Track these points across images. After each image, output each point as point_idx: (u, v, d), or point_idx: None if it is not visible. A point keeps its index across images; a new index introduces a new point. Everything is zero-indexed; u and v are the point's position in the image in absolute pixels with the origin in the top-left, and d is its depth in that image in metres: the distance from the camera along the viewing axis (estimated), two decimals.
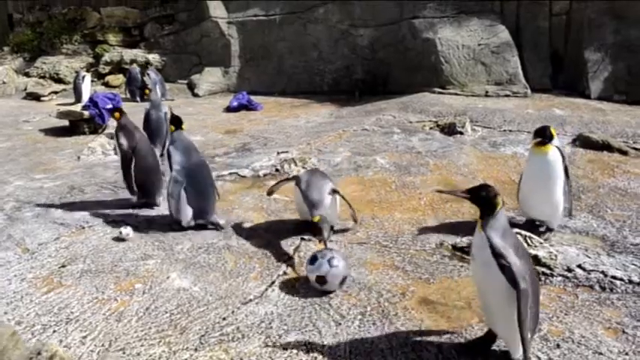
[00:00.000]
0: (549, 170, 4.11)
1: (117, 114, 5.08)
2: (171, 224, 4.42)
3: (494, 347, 2.76)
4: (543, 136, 4.06)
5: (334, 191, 4.14)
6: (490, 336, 2.75)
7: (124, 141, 4.92)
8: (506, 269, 2.41)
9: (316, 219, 3.82)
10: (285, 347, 2.80)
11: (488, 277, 2.50)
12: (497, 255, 2.43)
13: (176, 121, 4.52)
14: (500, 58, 9.79)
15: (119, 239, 4.19)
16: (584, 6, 9.85)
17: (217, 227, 4.38)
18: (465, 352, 2.76)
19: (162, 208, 4.78)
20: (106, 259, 3.88)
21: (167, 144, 6.54)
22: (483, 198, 2.51)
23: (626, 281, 3.42)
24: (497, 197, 2.50)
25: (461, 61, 9.87)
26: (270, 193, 4.60)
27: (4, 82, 12.83)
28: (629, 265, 3.62)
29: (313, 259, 3.38)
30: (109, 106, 9.23)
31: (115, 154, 6.05)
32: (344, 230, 4.32)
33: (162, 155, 6.28)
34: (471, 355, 2.73)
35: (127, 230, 4.22)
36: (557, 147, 4.10)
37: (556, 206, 4.15)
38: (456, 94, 9.60)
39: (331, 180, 4.34)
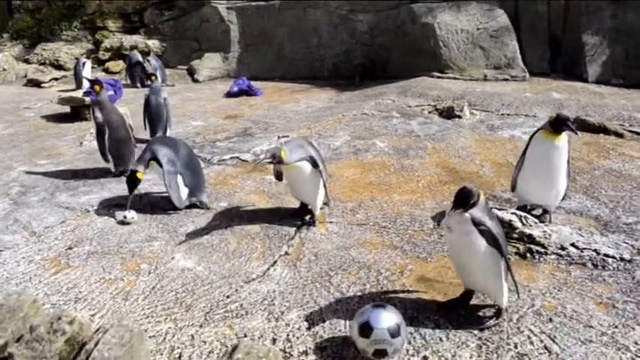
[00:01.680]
0: (557, 158, 4.01)
1: (97, 87, 5.46)
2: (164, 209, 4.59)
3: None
4: (565, 125, 3.87)
5: (314, 163, 4.03)
6: (467, 294, 3.05)
7: (99, 114, 5.35)
8: (485, 232, 2.75)
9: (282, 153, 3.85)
10: (288, 323, 2.90)
11: (470, 244, 2.80)
12: (476, 224, 2.76)
13: None
14: (498, 43, 9.84)
15: (123, 223, 4.28)
16: None
17: (205, 206, 4.56)
18: (445, 309, 3.01)
19: (162, 189, 4.86)
20: (111, 241, 3.97)
21: (168, 130, 6.67)
22: (473, 204, 2.76)
23: (618, 259, 3.53)
24: (480, 195, 2.79)
25: (459, 45, 9.91)
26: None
27: (4, 69, 12.87)
28: (621, 244, 3.72)
29: (367, 328, 2.55)
30: (110, 92, 9.32)
31: None
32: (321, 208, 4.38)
33: None
34: (451, 310, 3.00)
35: (131, 214, 4.32)
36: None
37: (557, 193, 4.11)
38: (455, 78, 9.66)
39: (315, 149, 4.21)
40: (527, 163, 4.15)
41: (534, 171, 4.11)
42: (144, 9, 13.65)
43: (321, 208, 4.37)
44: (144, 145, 4.81)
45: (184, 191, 4.53)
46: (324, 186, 4.20)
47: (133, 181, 4.46)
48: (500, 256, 2.79)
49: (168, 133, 6.70)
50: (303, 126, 7.16)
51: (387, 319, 2.56)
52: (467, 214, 2.76)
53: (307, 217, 4.26)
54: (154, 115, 6.70)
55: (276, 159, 3.83)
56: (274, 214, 4.42)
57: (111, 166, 5.46)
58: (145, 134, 6.69)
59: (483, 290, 3.02)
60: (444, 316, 2.94)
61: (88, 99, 8.38)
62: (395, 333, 2.53)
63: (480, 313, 2.99)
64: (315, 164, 4.03)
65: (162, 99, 6.74)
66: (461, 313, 2.99)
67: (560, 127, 3.89)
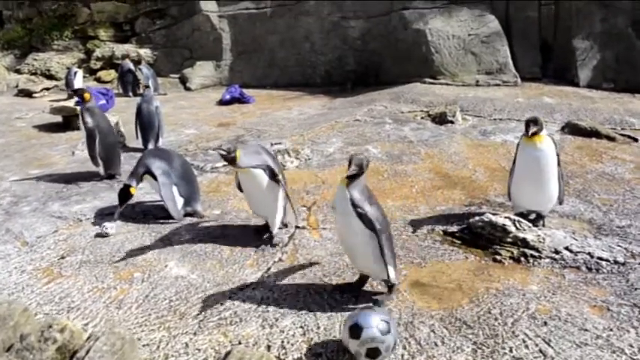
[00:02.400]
0: (543, 161, 4.02)
1: (87, 95, 5.68)
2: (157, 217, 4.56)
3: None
4: (536, 125, 3.95)
5: (272, 173, 3.82)
6: (362, 279, 3.28)
7: (89, 119, 5.53)
8: (362, 216, 2.93)
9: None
10: (282, 329, 2.89)
11: (349, 224, 3.01)
12: (354, 205, 2.94)
13: None
14: (490, 48, 9.90)
15: (102, 235, 4.19)
16: None
17: (199, 215, 4.55)
18: (340, 291, 3.24)
19: (155, 198, 4.84)
20: (104, 250, 3.94)
21: (160, 138, 6.65)
22: (363, 165, 2.98)
23: (612, 262, 3.54)
24: (367, 165, 3.03)
25: (451, 51, 9.96)
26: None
27: None
28: (614, 247, 3.73)
29: (356, 329, 2.56)
30: (102, 101, 9.30)
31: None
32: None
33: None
34: (347, 292, 3.24)
35: (111, 224, 4.26)
36: (548, 136, 4.05)
37: (551, 196, 4.10)
38: (447, 84, 9.71)
39: (273, 159, 4.01)
40: (516, 170, 4.18)
41: (523, 176, 4.14)
42: (135, 18, 13.64)
43: (295, 226, 4.18)
44: (134, 154, 4.79)
45: (180, 201, 4.49)
46: (287, 200, 3.94)
47: (125, 196, 4.41)
48: (376, 239, 2.96)
49: (160, 142, 6.69)
50: (295, 133, 7.16)
51: (376, 318, 2.56)
52: (347, 194, 2.94)
53: (265, 236, 4.01)
54: (145, 123, 6.68)
55: (230, 156, 3.63)
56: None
57: (100, 169, 5.64)
58: (137, 143, 6.67)
59: (368, 270, 3.18)
60: (438, 321, 2.94)
61: (79, 108, 8.36)
62: (385, 330, 2.53)
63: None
64: (273, 175, 3.80)
65: (155, 107, 6.73)
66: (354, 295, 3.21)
67: (533, 128, 3.94)
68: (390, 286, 3.16)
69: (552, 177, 4.05)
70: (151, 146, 6.51)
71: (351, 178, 2.95)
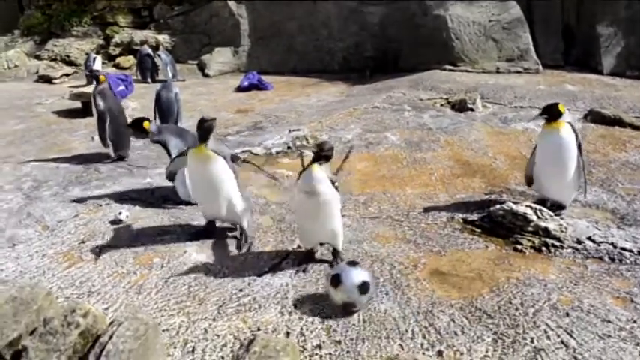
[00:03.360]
0: (562, 148, 3.97)
1: (102, 77, 5.90)
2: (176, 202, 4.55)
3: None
4: (550, 113, 3.98)
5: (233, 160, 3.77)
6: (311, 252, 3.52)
7: (100, 102, 5.73)
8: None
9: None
10: (301, 316, 2.88)
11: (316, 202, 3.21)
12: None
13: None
14: (511, 34, 9.73)
15: (115, 222, 4.18)
16: None
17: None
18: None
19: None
20: (124, 235, 3.97)
21: (179, 124, 6.66)
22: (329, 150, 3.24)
23: (635, 252, 3.48)
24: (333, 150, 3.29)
25: (472, 37, 9.81)
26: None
27: (16, 66, 12.92)
28: (638, 237, 3.67)
29: (337, 279, 2.90)
30: (121, 87, 9.34)
31: None
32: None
33: None
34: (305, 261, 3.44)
35: (125, 213, 4.27)
36: (569, 123, 3.98)
37: (570, 185, 4.05)
38: (467, 70, 9.57)
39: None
40: (537, 158, 4.14)
41: (544, 164, 4.10)
42: (153, 4, 13.63)
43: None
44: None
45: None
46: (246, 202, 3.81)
47: (137, 126, 4.53)
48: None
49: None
50: (314, 119, 7.13)
51: (358, 275, 2.88)
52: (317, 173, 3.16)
53: (238, 234, 3.83)
54: (164, 110, 6.71)
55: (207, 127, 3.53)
56: (286, 207, 4.39)
57: (110, 151, 5.81)
58: None
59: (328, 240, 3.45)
60: (458, 310, 2.91)
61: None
62: (362, 289, 2.85)
63: None
64: (233, 163, 3.70)
65: (174, 94, 6.75)
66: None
67: (545, 115, 4.00)
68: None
69: (571, 166, 3.98)
70: None
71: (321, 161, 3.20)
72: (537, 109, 6.99)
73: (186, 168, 3.85)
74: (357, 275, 2.87)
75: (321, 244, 3.53)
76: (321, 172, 3.18)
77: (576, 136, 3.98)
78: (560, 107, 3.98)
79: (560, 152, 4.00)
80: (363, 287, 2.85)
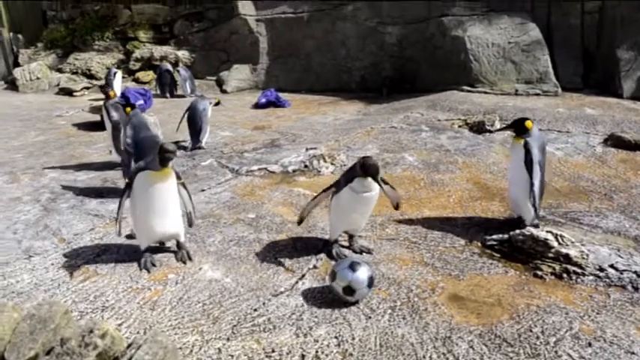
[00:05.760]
0: (513, 163, 4.25)
1: (112, 93, 6.29)
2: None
3: None
4: (516, 128, 4.15)
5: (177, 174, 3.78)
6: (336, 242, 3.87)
7: (114, 113, 5.95)
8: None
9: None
10: (317, 339, 2.83)
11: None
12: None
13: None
14: (530, 57, 9.70)
15: (131, 237, 4.10)
16: (617, 3, 9.71)
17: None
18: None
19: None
20: (140, 250, 3.95)
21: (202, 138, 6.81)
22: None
23: None
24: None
25: (490, 59, 9.80)
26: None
27: (38, 78, 13.13)
28: None
29: (332, 275, 3.21)
30: (140, 102, 9.42)
31: None
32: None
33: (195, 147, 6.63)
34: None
35: None
36: (527, 141, 4.04)
37: (519, 200, 4.17)
38: (485, 92, 9.54)
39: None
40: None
41: (508, 176, 4.51)
42: (174, 20, 13.84)
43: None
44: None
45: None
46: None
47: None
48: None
49: (202, 141, 6.98)
50: (331, 138, 7.12)
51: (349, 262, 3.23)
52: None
53: (181, 251, 3.84)
54: (191, 119, 7.03)
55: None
56: (302, 226, 4.35)
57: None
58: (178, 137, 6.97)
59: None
60: (477, 337, 2.84)
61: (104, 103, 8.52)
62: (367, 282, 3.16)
63: None
64: (178, 176, 3.75)
65: (202, 109, 7.00)
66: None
67: (512, 128, 4.22)
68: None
69: (518, 181, 4.12)
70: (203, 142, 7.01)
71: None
72: (556, 133, 6.96)
73: (139, 191, 3.65)
74: (363, 274, 3.15)
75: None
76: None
77: (527, 153, 4.02)
78: (527, 123, 4.10)
79: (512, 166, 4.30)
80: (371, 283, 3.19)
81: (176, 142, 6.73)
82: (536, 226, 4.00)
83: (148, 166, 3.60)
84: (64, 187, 5.48)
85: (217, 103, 7.61)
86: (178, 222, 3.79)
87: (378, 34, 11.41)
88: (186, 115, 7.10)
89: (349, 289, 3.12)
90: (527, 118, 4.19)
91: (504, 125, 4.31)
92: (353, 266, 3.17)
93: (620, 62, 9.40)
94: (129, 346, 1.88)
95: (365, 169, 3.43)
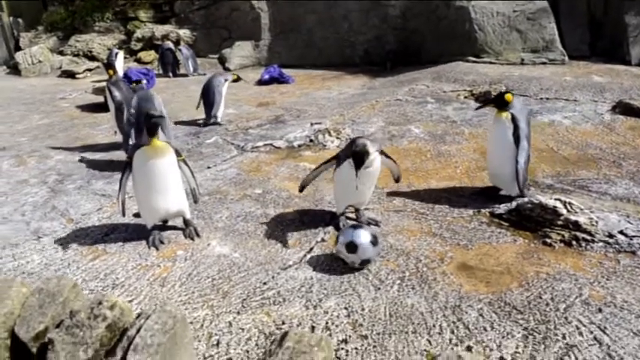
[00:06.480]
0: (497, 137, 4.10)
1: (111, 71, 6.22)
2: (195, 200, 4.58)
3: None
4: (496, 102, 4.09)
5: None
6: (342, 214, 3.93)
7: (117, 93, 5.87)
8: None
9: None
10: (326, 310, 2.84)
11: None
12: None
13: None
14: (536, 25, 9.54)
15: (138, 215, 4.09)
16: None
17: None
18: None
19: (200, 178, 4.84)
20: (147, 228, 3.96)
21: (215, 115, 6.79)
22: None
23: None
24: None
25: (495, 28, 9.65)
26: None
27: (39, 61, 13.08)
28: None
29: (336, 239, 3.32)
30: (144, 81, 9.37)
31: None
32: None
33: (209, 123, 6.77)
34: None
35: None
36: (512, 114, 3.97)
37: (505, 175, 4.06)
38: (491, 62, 9.42)
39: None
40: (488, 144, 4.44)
41: (488, 150, 4.41)
42: None
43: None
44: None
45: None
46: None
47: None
48: None
49: (218, 117, 7.07)
50: (335, 112, 7.07)
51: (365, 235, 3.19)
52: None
53: (188, 228, 3.85)
54: (205, 95, 7.10)
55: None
56: (309, 200, 4.35)
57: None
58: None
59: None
60: (487, 305, 2.84)
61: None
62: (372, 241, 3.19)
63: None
64: (178, 153, 3.75)
65: (216, 85, 7.06)
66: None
67: (493, 102, 4.18)
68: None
69: (502, 154, 4.03)
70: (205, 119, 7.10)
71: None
72: (564, 101, 6.88)
73: (138, 168, 3.64)
74: (365, 231, 3.22)
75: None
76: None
77: (516, 127, 3.95)
78: (507, 96, 4.03)
79: (495, 140, 4.19)
80: (375, 241, 3.20)
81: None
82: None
83: (142, 143, 3.60)
84: (71, 169, 5.49)
85: (236, 80, 7.51)
86: (181, 199, 3.78)
87: (380, 6, 11.24)
88: (205, 91, 7.15)
89: (352, 245, 3.15)
90: (507, 91, 4.13)
91: (482, 101, 4.16)
92: (355, 226, 3.30)
93: (629, 28, 9.23)
94: (138, 316, 1.89)
95: (352, 155, 3.41)
